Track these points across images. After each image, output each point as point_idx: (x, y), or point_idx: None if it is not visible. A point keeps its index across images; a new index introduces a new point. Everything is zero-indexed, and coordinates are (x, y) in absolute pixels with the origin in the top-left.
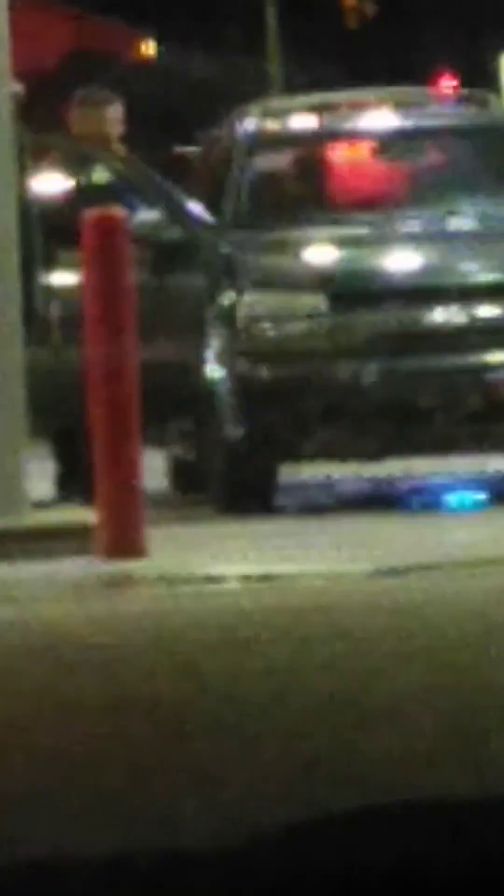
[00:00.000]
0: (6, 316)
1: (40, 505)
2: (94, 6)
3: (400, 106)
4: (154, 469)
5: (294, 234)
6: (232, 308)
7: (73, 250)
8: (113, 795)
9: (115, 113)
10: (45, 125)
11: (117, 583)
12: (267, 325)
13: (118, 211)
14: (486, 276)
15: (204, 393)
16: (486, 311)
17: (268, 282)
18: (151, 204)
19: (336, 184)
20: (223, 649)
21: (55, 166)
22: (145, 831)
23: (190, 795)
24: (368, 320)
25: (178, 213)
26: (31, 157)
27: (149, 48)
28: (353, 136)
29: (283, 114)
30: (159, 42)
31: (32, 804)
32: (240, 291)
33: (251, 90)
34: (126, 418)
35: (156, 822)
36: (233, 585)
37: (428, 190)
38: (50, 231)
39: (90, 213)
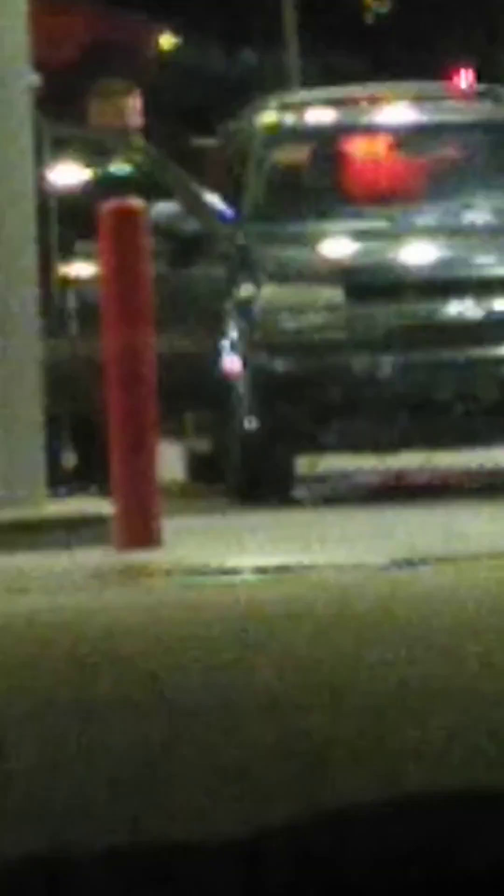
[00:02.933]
0: (23, 306)
1: (57, 495)
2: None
3: (417, 101)
4: (171, 460)
5: (311, 227)
6: (249, 300)
7: (90, 241)
8: (125, 787)
9: (132, 104)
10: (63, 117)
11: (133, 574)
12: (284, 317)
13: (136, 202)
14: (501, 270)
15: (221, 384)
16: (502, 304)
17: (285, 274)
18: (169, 196)
19: (353, 177)
20: (238, 641)
21: (73, 157)
22: (154, 825)
23: (203, 788)
24: (385, 313)
25: (195, 206)
26: (49, 148)
27: (168, 41)
28: (371, 130)
29: (300, 107)
30: (178, 35)
31: (41, 796)
32: (257, 284)
33: (269, 84)
34: (143, 409)
35: (166, 816)
36: (248, 577)
37: (444, 184)
38: (68, 222)
39: (108, 204)
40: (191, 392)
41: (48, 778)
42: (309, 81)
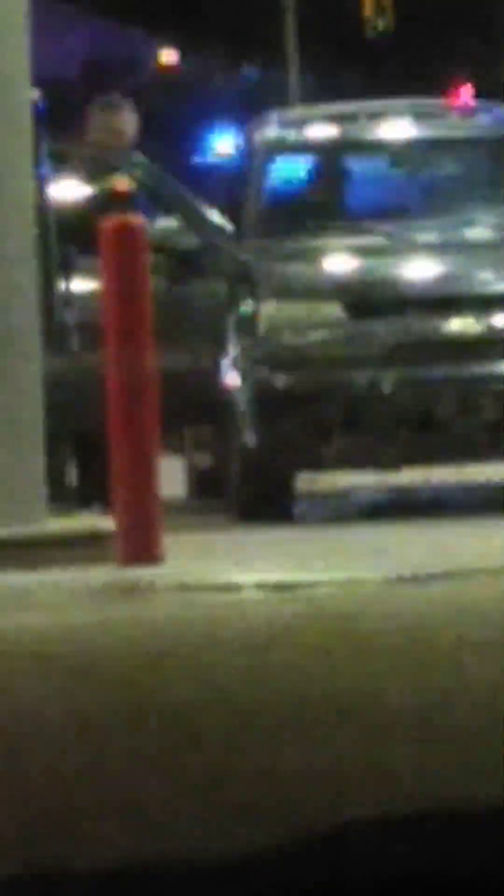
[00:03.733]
0: (24, 323)
1: (58, 511)
2: (114, 16)
3: (418, 116)
4: (172, 476)
5: (312, 243)
6: (250, 316)
7: (91, 257)
8: (123, 804)
9: (130, 120)
10: (64, 132)
11: (134, 590)
12: (285, 333)
13: (137, 218)
14: (502, 286)
15: (222, 401)
16: (503, 320)
17: (286, 291)
18: (170, 211)
19: (354, 193)
20: (240, 657)
21: (74, 173)
22: (156, 840)
23: (202, 804)
24: (386, 329)
25: (197, 222)
26: (50, 163)
27: (169, 57)
28: (372, 145)
29: (301, 123)
30: (180, 51)
31: (40, 812)
32: (258, 300)
33: (269, 99)
34: (144, 425)
35: (167, 832)
36: (250, 593)
37: (445, 200)
38: (68, 237)
39: (108, 220)
40: (192, 408)
41: (48, 795)
42: (309, 97)
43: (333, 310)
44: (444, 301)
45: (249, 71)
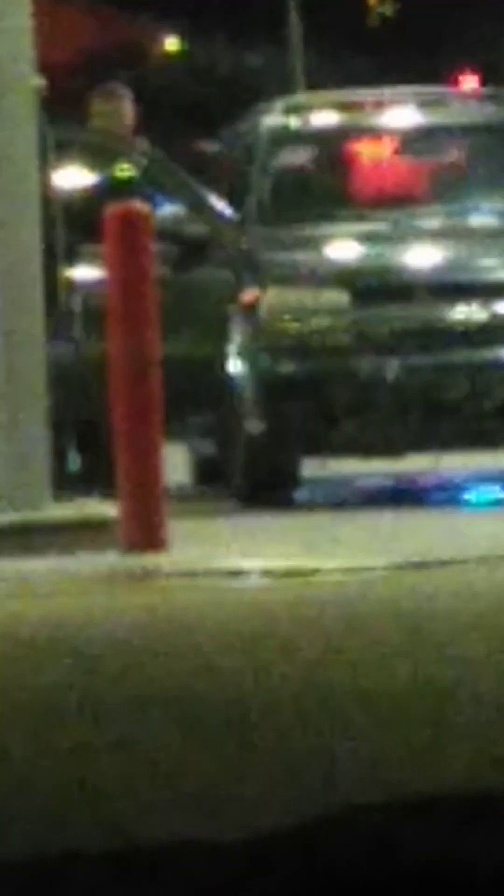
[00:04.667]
0: (28, 309)
1: (62, 498)
2: (118, 3)
3: (421, 104)
4: (176, 463)
5: (316, 230)
6: (254, 303)
7: (95, 244)
8: (126, 790)
9: (129, 108)
10: (68, 119)
11: (138, 576)
12: (289, 320)
13: (141, 205)
14: None
15: (226, 387)
16: None
17: (290, 278)
18: (174, 199)
19: (358, 180)
20: (244, 643)
21: (78, 160)
22: (155, 823)
23: (207, 791)
24: (390, 316)
25: (200, 209)
26: (54, 151)
27: (173, 44)
28: (376, 133)
29: (305, 110)
30: (183, 38)
31: (45, 799)
32: (262, 287)
33: (274, 87)
34: (148, 412)
35: (172, 818)
36: (254, 579)
37: (449, 187)
38: (72, 225)
39: (113, 208)
40: (196, 395)
41: (52, 782)
42: (313, 84)
43: (337, 297)
44: (449, 288)
45: (253, 58)
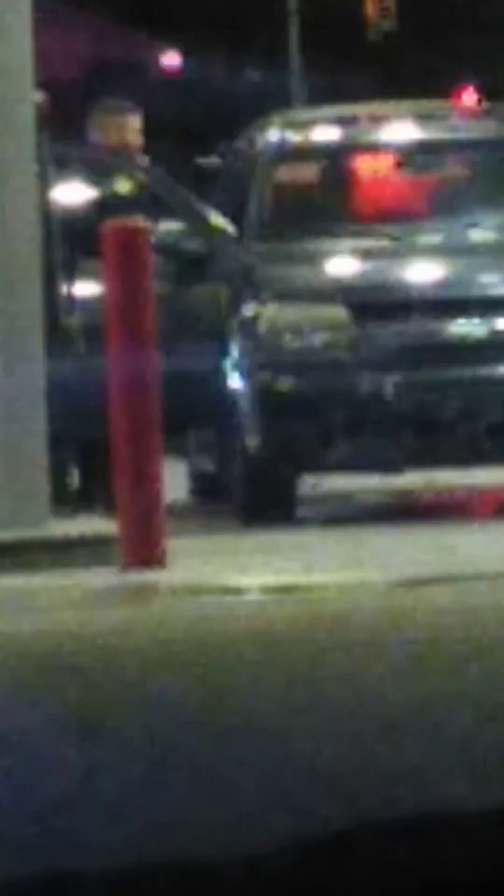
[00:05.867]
0: (28, 326)
1: (62, 515)
2: (117, 18)
3: (422, 119)
4: (175, 480)
5: (316, 245)
6: (254, 319)
7: (94, 260)
8: (127, 806)
9: (134, 123)
10: (67, 135)
11: (138, 593)
12: (288, 336)
13: (140, 221)
14: None
15: (225, 403)
16: None
17: (290, 293)
18: (173, 214)
19: (358, 196)
20: (242, 660)
21: (77, 176)
22: (161, 841)
23: (207, 807)
24: (390, 332)
25: (200, 224)
26: (53, 166)
27: (172, 60)
28: (375, 148)
29: (305, 126)
30: (182, 54)
31: (49, 814)
32: (262, 303)
33: (273, 101)
34: (147, 428)
35: (172, 832)
36: (253, 596)
37: (449, 202)
38: (72, 241)
39: (112, 223)
40: (195, 411)
41: (50, 798)
42: (313, 99)
43: (336, 313)
44: (449, 304)
45: (252, 73)
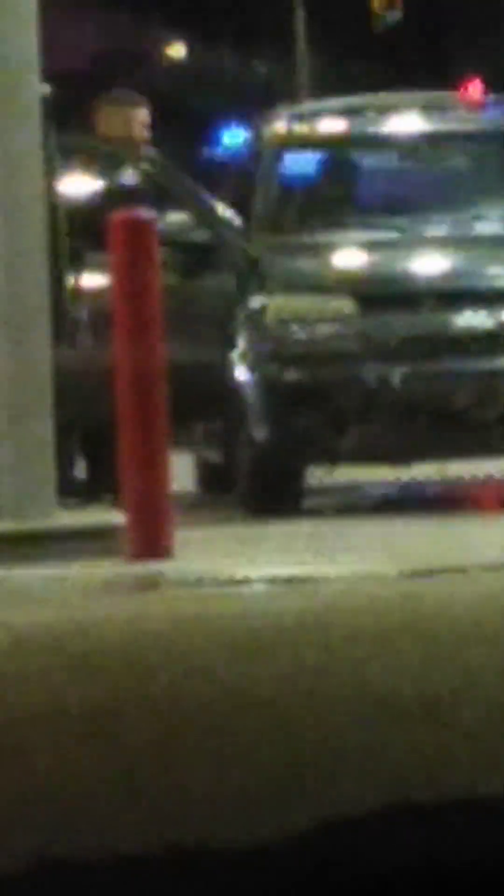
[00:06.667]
0: (34, 317)
1: (67, 505)
2: (123, 9)
3: (428, 110)
4: (181, 471)
5: (322, 237)
6: (260, 311)
7: (101, 252)
8: (131, 797)
9: (141, 115)
10: (73, 127)
11: (144, 584)
12: (295, 327)
13: (146, 212)
14: None
15: (232, 395)
16: None
17: (296, 285)
18: (180, 206)
19: (364, 187)
20: (249, 651)
21: (84, 168)
22: (165, 832)
23: (211, 797)
24: (397, 324)
25: (206, 216)
26: (59, 158)
27: (178, 51)
28: (382, 139)
29: (311, 117)
30: (188, 45)
31: (52, 805)
32: (268, 294)
33: (280, 93)
34: (154, 419)
35: (176, 823)
36: (260, 587)
37: (456, 194)
38: (78, 232)
39: (118, 215)
40: (202, 402)
41: (60, 785)
42: (319, 90)
43: (343, 304)
44: (455, 295)
45: (258, 64)
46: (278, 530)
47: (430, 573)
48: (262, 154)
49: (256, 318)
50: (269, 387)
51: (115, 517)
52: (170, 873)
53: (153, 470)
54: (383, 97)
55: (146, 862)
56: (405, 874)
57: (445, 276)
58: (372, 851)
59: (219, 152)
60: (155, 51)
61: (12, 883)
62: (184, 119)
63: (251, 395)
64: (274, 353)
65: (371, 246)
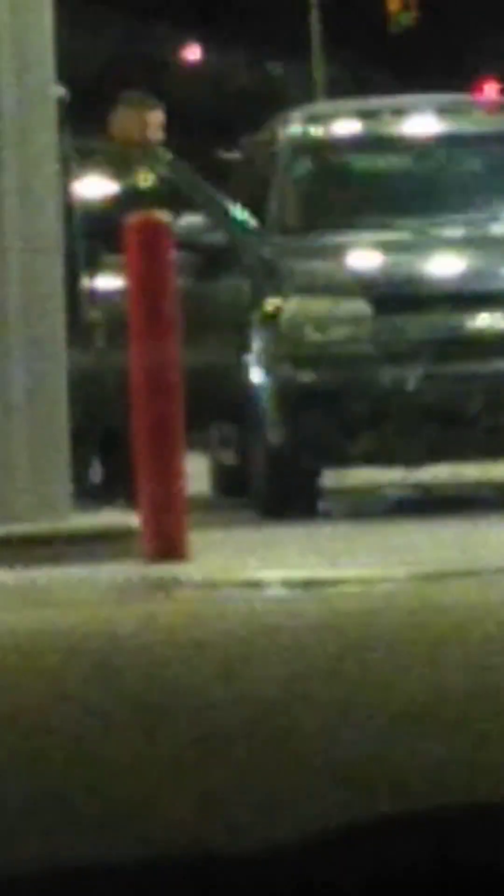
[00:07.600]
0: (49, 319)
1: (83, 507)
2: (139, 12)
3: (442, 112)
4: (197, 473)
5: (337, 239)
6: (275, 313)
7: (116, 254)
8: (145, 800)
9: (156, 118)
10: (89, 129)
11: (160, 587)
12: (310, 329)
13: (162, 215)
14: None
15: (247, 397)
16: None
17: (311, 287)
18: (195, 208)
19: (379, 189)
20: (264, 654)
21: (99, 170)
22: (179, 836)
23: (225, 800)
24: (411, 325)
25: (221, 218)
26: (75, 160)
27: (194, 53)
28: (397, 141)
29: (326, 119)
30: (204, 47)
31: (64, 809)
32: (283, 296)
33: (295, 95)
34: (169, 422)
35: (192, 827)
36: (274, 590)
37: (470, 195)
38: (94, 235)
39: (134, 217)
40: (217, 404)
41: (74, 784)
42: (334, 92)
43: (357, 306)
44: (470, 297)
45: (274, 67)
46: (294, 533)
47: (444, 577)
48: (278, 156)
49: (271, 319)
50: (284, 389)
51: (131, 520)
52: (174, 879)
53: (168, 472)
54: (398, 99)
55: (151, 867)
56: (415, 879)
57: (460, 278)
58: (376, 857)
59: (233, 154)
60: (171, 54)
61: (18, 886)
62: (199, 121)
63: (266, 398)
64: (289, 354)
65: (386, 248)
